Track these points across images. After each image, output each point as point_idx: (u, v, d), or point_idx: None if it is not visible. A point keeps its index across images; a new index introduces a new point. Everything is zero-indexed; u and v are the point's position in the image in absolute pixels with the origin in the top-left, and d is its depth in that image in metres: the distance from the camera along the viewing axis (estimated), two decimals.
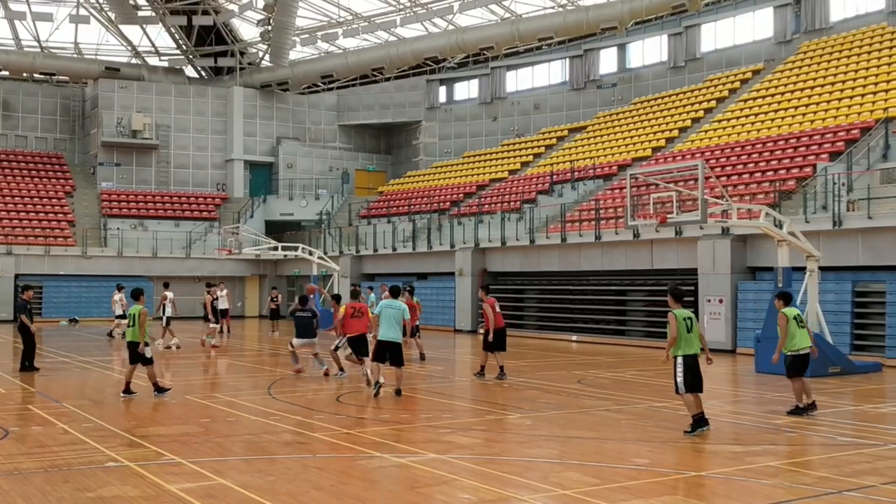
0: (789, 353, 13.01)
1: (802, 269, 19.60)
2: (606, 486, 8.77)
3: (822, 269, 20.01)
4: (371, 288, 34.01)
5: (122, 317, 26.94)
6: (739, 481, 8.86)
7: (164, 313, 25.62)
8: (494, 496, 8.29)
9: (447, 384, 17.86)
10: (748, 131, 32.45)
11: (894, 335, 20.83)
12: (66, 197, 46.65)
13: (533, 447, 10.87)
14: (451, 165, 48.00)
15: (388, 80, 52.70)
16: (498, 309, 18.01)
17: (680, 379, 11.17)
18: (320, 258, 36.01)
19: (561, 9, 43.46)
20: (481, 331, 18.13)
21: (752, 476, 9.06)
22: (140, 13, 47.85)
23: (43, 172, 48.20)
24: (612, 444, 10.82)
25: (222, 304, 32.30)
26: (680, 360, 11.17)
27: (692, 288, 25.86)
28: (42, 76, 50.42)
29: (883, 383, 17.79)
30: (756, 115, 33.68)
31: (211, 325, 26.48)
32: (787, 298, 13.46)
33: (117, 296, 28.23)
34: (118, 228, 43.99)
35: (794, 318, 13.11)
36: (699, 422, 11.23)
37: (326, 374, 17.55)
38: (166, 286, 27.06)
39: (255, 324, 40.49)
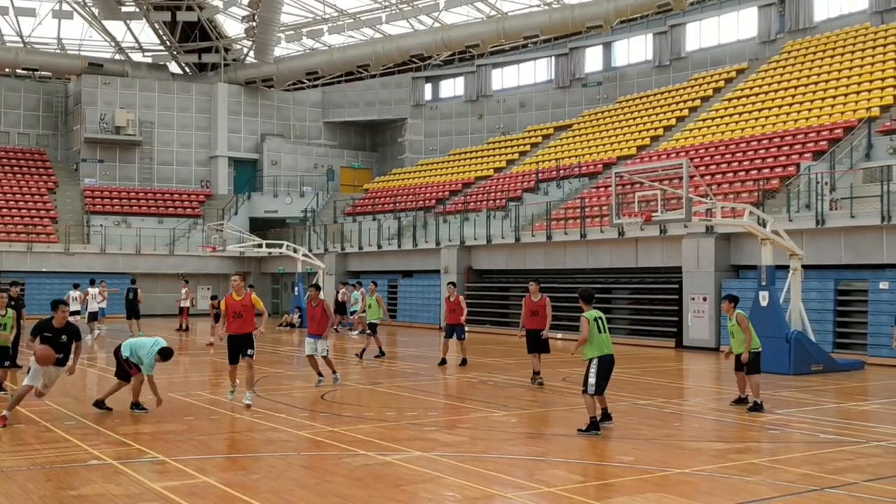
0: (753, 352, 13.44)
1: (786, 268, 19.73)
2: (591, 484, 8.80)
3: (805, 267, 20.14)
4: (356, 285, 34.05)
5: (77, 313, 28.65)
6: (723, 478, 8.90)
7: (86, 309, 27.66)
8: (479, 494, 8.29)
9: (432, 382, 17.86)
10: (732, 130, 32.58)
11: (876, 333, 20.96)
12: (48, 193, 46.33)
13: (518, 444, 10.88)
14: (437, 163, 47.97)
15: (373, 77, 52.61)
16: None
17: (592, 380, 11.04)
18: (305, 255, 35.91)
19: (546, 7, 43.49)
20: (521, 333, 16.97)
21: (736, 473, 9.10)
22: (123, 9, 47.58)
23: (25, 169, 47.85)
24: (597, 442, 10.83)
25: (184, 302, 32.70)
26: (595, 361, 11.12)
27: (675, 286, 26.00)
28: (25, 72, 50.09)
29: (865, 381, 17.92)
30: (740, 114, 33.82)
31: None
32: (737, 301, 13.87)
33: (74, 293, 29.23)
34: (101, 225, 43.69)
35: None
36: (595, 425, 11.12)
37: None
38: (92, 283, 28.52)
39: None
